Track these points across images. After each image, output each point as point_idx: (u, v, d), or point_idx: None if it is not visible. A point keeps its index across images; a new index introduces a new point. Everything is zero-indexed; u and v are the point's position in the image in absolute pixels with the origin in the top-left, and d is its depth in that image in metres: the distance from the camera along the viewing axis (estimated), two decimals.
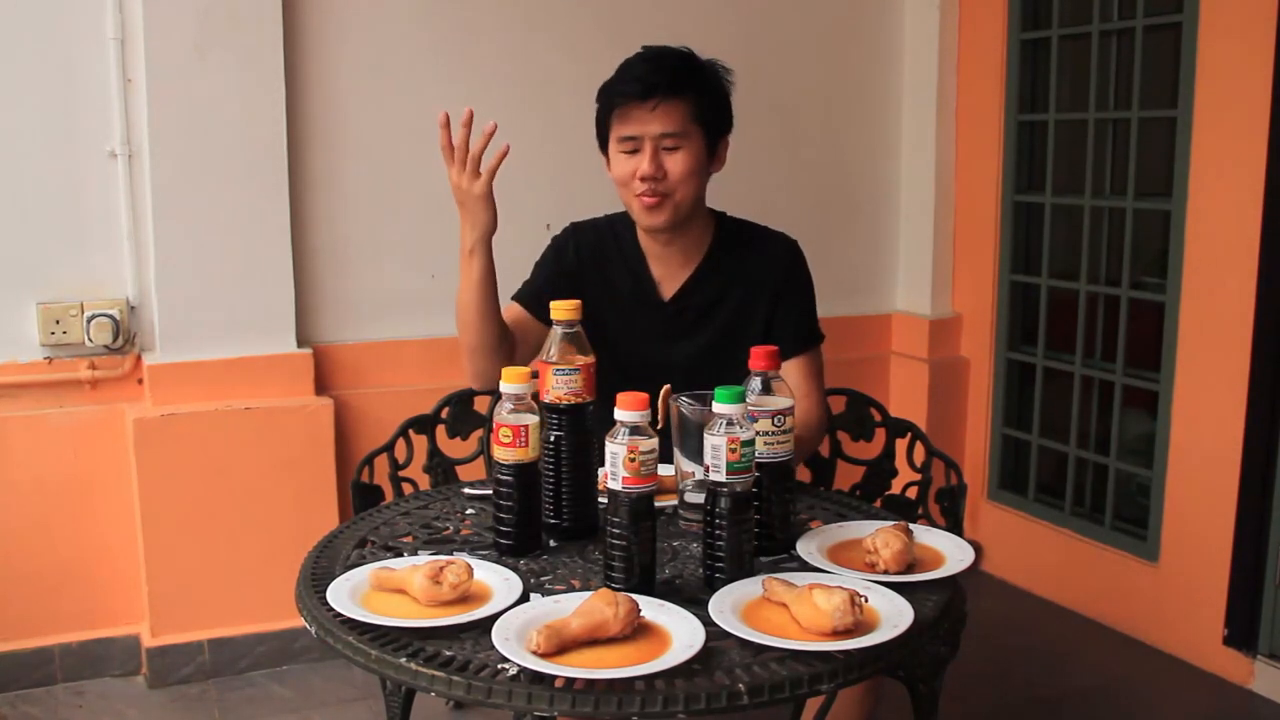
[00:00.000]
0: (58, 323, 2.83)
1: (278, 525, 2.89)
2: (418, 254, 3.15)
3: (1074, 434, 3.36)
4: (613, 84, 2.03)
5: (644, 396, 1.48)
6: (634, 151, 1.99)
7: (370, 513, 1.88)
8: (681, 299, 2.09)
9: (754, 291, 2.08)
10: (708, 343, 2.06)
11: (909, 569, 1.56)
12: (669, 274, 2.10)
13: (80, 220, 2.84)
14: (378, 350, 3.12)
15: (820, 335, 2.12)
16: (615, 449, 1.46)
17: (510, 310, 2.07)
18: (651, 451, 1.47)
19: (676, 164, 1.98)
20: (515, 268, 3.05)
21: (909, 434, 2.22)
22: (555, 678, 1.27)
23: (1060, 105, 3.36)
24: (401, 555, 1.64)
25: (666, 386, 1.81)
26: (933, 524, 2.02)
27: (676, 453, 1.73)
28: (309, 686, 2.90)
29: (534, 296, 2.06)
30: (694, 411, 1.68)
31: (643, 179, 1.98)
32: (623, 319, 2.05)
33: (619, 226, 2.15)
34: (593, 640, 1.32)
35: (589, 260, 2.12)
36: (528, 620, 1.37)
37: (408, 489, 2.13)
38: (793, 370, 2.02)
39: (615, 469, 1.46)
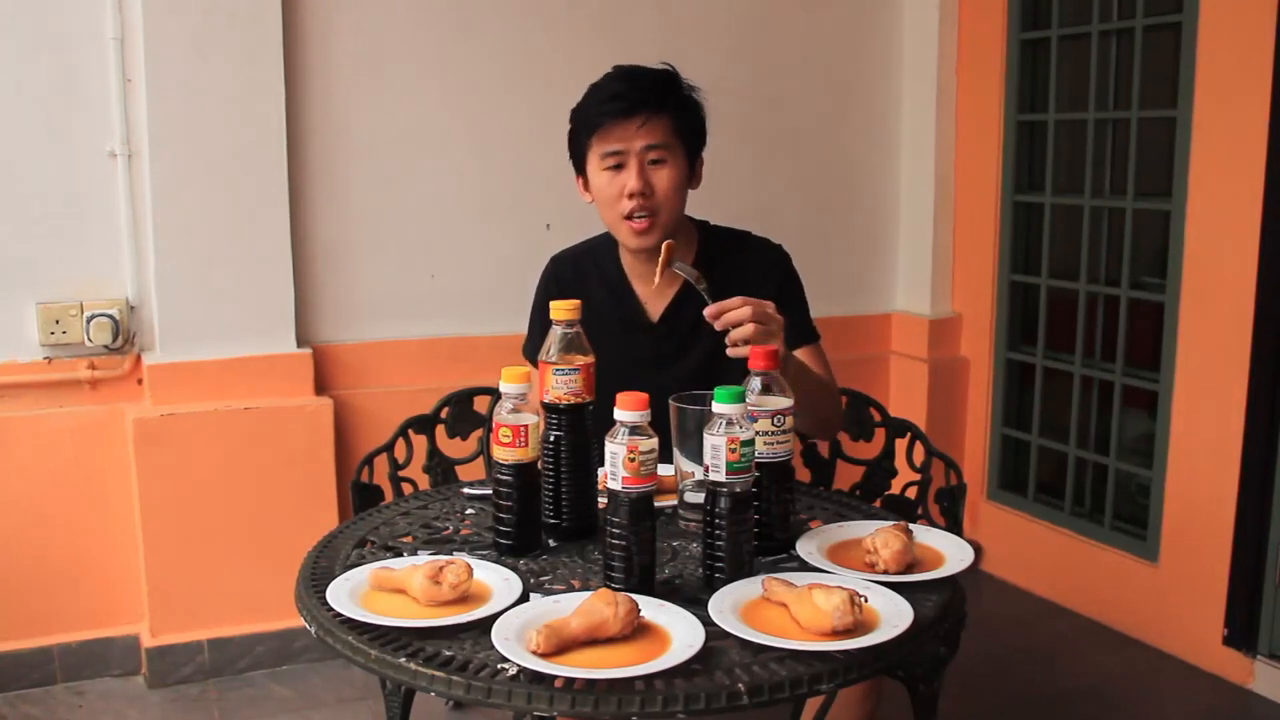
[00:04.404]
0: (57, 323, 2.83)
1: (278, 525, 2.89)
2: (418, 254, 3.15)
3: (1074, 434, 3.36)
4: (589, 105, 2.01)
5: (644, 396, 1.48)
6: (618, 167, 1.97)
7: (370, 513, 1.88)
8: (670, 319, 2.07)
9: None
10: (701, 361, 2.03)
11: (909, 569, 1.56)
12: (654, 294, 2.09)
13: (80, 220, 2.84)
14: (378, 350, 3.12)
15: (819, 334, 2.13)
16: (615, 449, 1.46)
17: (529, 372, 1.79)
18: (651, 451, 1.47)
19: (662, 179, 1.97)
20: (515, 267, 3.07)
21: (909, 434, 2.22)
22: (555, 678, 1.27)
23: (1060, 105, 3.36)
24: (401, 555, 1.64)
25: (669, 242, 1.87)
26: (932, 524, 2.02)
27: (676, 453, 1.73)
28: (309, 686, 2.90)
29: (538, 352, 1.85)
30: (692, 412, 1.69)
31: (630, 195, 1.96)
32: (613, 345, 1.92)
33: (599, 252, 2.13)
34: (592, 640, 1.32)
35: (572, 293, 2.02)
36: (527, 620, 1.37)
37: (407, 489, 2.13)
38: (806, 360, 2.04)
39: (615, 469, 1.46)
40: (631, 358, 2.03)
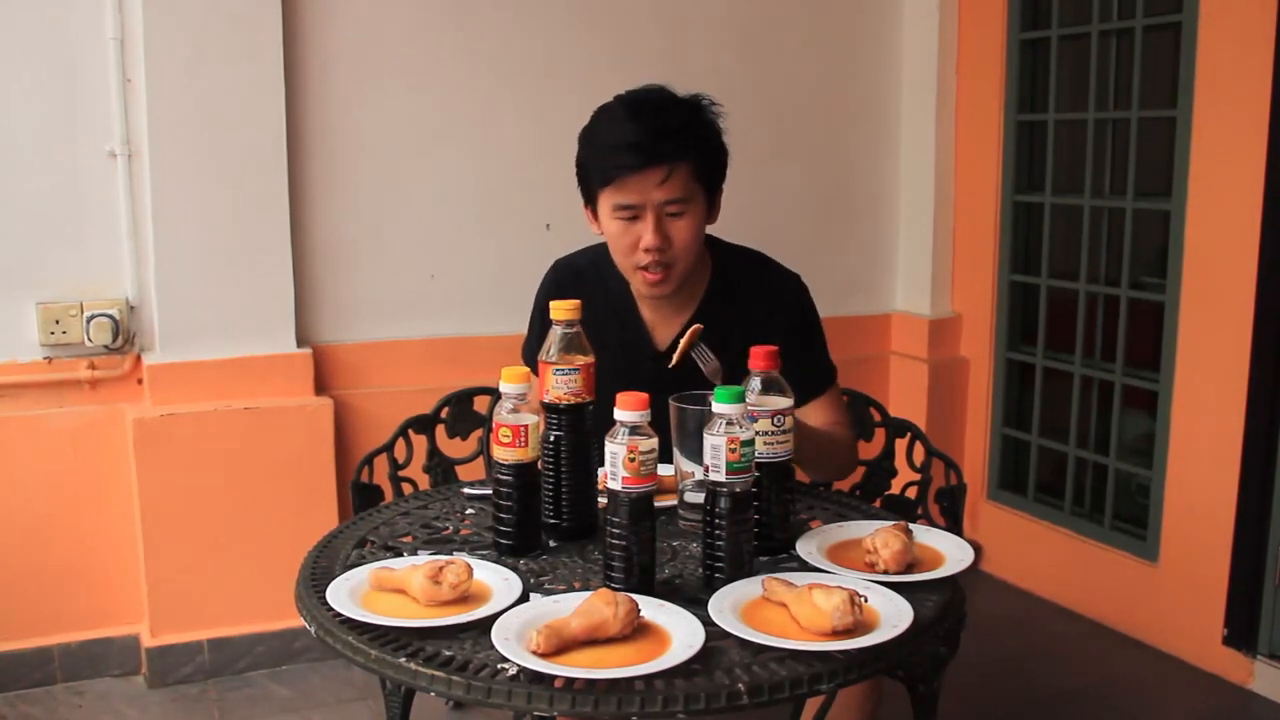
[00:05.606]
0: (57, 323, 2.83)
1: (278, 525, 2.89)
2: (418, 254, 3.15)
3: (1074, 434, 3.36)
4: (601, 149, 1.85)
5: (644, 396, 1.48)
6: (633, 219, 1.84)
7: (370, 513, 1.88)
8: (674, 351, 1.91)
9: (757, 337, 1.88)
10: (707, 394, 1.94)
11: (909, 569, 1.56)
12: (662, 320, 1.98)
13: (80, 220, 2.84)
14: (378, 350, 3.12)
15: (835, 369, 2.04)
16: (615, 449, 1.46)
17: (528, 372, 1.69)
18: (651, 451, 1.47)
19: (681, 231, 1.85)
20: (515, 267, 3.07)
21: (909, 434, 2.22)
22: (555, 678, 1.27)
23: (1060, 105, 3.35)
24: (401, 555, 1.64)
25: (696, 326, 1.80)
26: (932, 524, 2.02)
27: (676, 453, 1.73)
28: (309, 686, 2.90)
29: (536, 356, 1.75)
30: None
31: (647, 250, 1.84)
32: (613, 370, 1.78)
33: (604, 266, 1.99)
34: (592, 640, 1.32)
35: None
36: (527, 620, 1.37)
37: (407, 489, 2.13)
38: (821, 409, 1.99)
39: (615, 469, 1.46)
40: (635, 385, 1.92)
